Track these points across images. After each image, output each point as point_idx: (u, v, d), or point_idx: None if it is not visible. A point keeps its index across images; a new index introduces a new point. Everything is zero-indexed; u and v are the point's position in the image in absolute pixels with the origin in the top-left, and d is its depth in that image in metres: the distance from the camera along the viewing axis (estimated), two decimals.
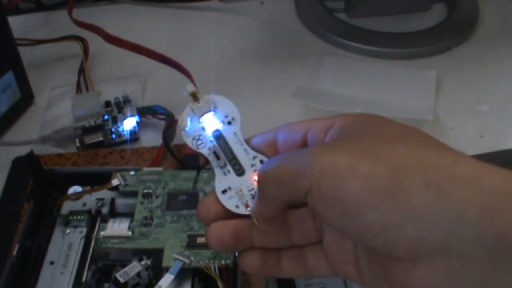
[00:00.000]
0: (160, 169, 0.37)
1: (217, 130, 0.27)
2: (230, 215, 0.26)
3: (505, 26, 0.58)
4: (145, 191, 0.36)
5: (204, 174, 0.36)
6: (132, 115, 0.46)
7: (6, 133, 0.48)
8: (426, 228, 0.20)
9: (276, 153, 0.26)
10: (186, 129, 0.27)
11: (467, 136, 0.46)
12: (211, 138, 0.27)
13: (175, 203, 0.35)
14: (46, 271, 0.33)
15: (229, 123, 0.27)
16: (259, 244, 0.26)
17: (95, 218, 0.36)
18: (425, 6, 0.59)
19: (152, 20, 0.61)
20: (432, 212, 0.20)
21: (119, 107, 0.47)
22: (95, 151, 0.45)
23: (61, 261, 0.34)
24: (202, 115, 0.27)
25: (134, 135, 0.46)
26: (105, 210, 0.36)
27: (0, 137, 0.47)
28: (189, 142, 0.27)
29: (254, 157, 0.26)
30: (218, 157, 0.26)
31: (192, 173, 0.36)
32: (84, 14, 0.59)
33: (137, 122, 0.46)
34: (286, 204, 0.25)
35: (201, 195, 0.35)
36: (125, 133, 0.46)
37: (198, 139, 0.27)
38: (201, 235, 0.33)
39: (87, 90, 0.50)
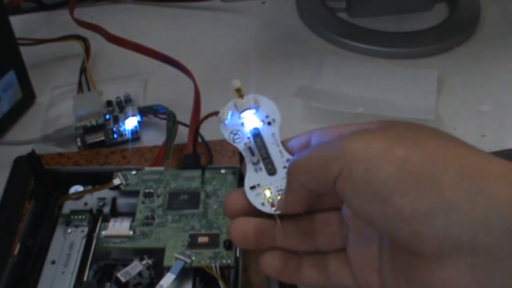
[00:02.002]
0: (161, 168, 0.37)
1: (256, 128, 0.27)
2: (255, 212, 0.26)
3: (507, 25, 0.58)
4: (146, 190, 0.36)
5: (207, 174, 0.36)
6: (133, 115, 0.46)
7: (8, 132, 0.48)
8: (455, 221, 0.19)
9: None
10: (226, 122, 0.27)
11: (468, 136, 0.46)
12: (249, 135, 0.27)
13: (176, 202, 0.35)
14: (47, 271, 0.33)
15: (269, 123, 0.27)
16: (281, 245, 0.26)
17: (96, 218, 0.36)
18: (427, 6, 0.59)
19: (153, 20, 0.61)
20: (463, 205, 0.19)
21: (120, 107, 0.47)
22: (96, 151, 0.45)
23: (63, 261, 0.34)
24: (243, 111, 0.27)
25: (136, 135, 0.46)
26: (106, 209, 0.36)
27: (1, 136, 0.48)
28: (227, 134, 0.27)
29: (288, 160, 0.26)
30: (252, 153, 0.27)
31: (193, 173, 0.36)
32: (86, 13, 0.59)
33: (139, 122, 0.46)
34: (314, 196, 0.25)
35: (202, 195, 0.35)
36: (126, 132, 0.46)
37: (235, 134, 0.27)
38: (202, 235, 0.33)
39: (89, 89, 0.50)
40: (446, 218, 0.20)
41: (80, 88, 0.50)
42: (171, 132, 0.42)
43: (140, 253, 0.33)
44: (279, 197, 0.26)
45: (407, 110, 0.47)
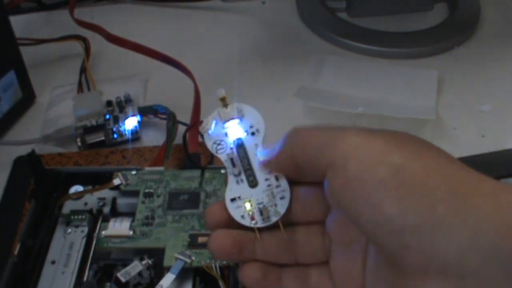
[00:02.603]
0: (161, 168, 0.37)
1: (239, 139, 0.27)
2: (235, 225, 0.26)
3: (507, 25, 0.58)
4: (146, 190, 0.36)
5: (206, 174, 0.36)
6: (133, 115, 0.46)
7: (8, 132, 0.48)
8: (444, 238, 0.19)
9: None
10: (210, 131, 0.27)
11: (468, 136, 0.46)
12: (232, 145, 0.27)
13: (176, 202, 0.35)
14: (47, 271, 0.33)
15: (253, 134, 0.27)
16: (261, 257, 0.26)
17: (96, 218, 0.36)
18: (427, 6, 0.59)
19: (153, 20, 0.61)
20: (453, 222, 0.19)
21: (120, 107, 0.47)
22: (96, 151, 0.45)
23: (63, 261, 0.34)
24: (227, 121, 0.27)
25: (136, 135, 0.46)
26: (106, 209, 0.36)
27: (1, 136, 0.47)
28: (210, 145, 0.27)
29: (270, 172, 0.26)
30: (234, 165, 0.26)
31: (193, 173, 0.36)
32: (86, 13, 0.59)
33: (139, 122, 0.46)
34: (296, 172, 0.24)
35: (202, 195, 0.35)
36: (126, 132, 0.46)
37: (219, 144, 0.27)
38: (202, 235, 0.33)
39: (89, 89, 0.50)
40: (435, 234, 0.19)
41: (80, 88, 0.50)
42: (171, 132, 0.42)
43: (140, 253, 0.33)
44: (258, 209, 0.26)
45: (407, 110, 0.47)
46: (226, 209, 0.26)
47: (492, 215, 0.19)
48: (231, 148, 0.27)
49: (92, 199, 0.37)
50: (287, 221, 0.26)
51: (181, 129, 0.44)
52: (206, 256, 0.32)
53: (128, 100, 0.47)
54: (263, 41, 0.57)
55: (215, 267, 0.31)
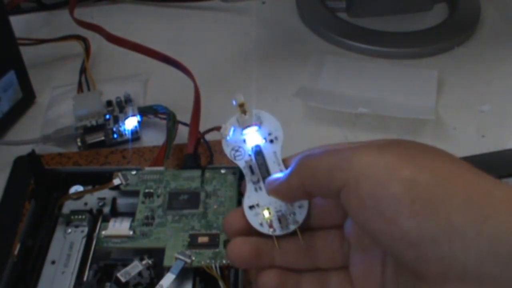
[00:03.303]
0: (161, 168, 0.37)
1: (258, 146, 0.27)
2: (253, 232, 0.26)
3: (507, 25, 0.58)
4: (146, 190, 0.36)
5: (207, 174, 0.36)
6: (133, 115, 0.46)
7: (8, 132, 0.48)
8: (461, 247, 0.19)
9: None
10: (228, 138, 0.27)
11: (468, 136, 0.46)
12: (250, 152, 0.27)
13: (176, 202, 0.35)
14: (47, 271, 0.33)
15: (271, 141, 0.27)
16: (280, 263, 0.26)
17: (96, 218, 0.36)
18: (427, 6, 0.59)
19: (153, 20, 0.61)
20: (469, 231, 0.19)
21: (120, 107, 0.47)
22: (96, 151, 0.45)
23: (63, 261, 0.34)
24: (246, 128, 0.27)
25: (136, 135, 0.46)
26: (106, 209, 0.36)
27: (1, 136, 0.47)
28: (228, 151, 0.27)
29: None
30: (252, 172, 0.26)
31: (193, 173, 0.36)
32: (86, 13, 0.59)
33: (139, 122, 0.46)
34: (307, 197, 0.25)
35: (202, 195, 0.35)
36: (126, 132, 0.46)
37: (237, 150, 0.27)
38: (203, 235, 0.33)
39: (89, 89, 0.50)
40: (452, 244, 0.19)
41: (80, 88, 0.50)
42: (171, 132, 0.42)
43: (140, 253, 0.33)
44: (277, 217, 0.26)
45: (407, 110, 0.47)
46: (244, 217, 0.26)
47: (508, 221, 0.19)
48: (249, 155, 0.27)
49: (92, 199, 0.37)
50: (306, 227, 0.27)
51: (181, 129, 0.44)
52: (206, 256, 0.32)
53: (128, 100, 0.47)
54: (262, 41, 0.57)
55: (215, 267, 0.31)
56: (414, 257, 0.20)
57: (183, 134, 0.43)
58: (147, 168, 0.37)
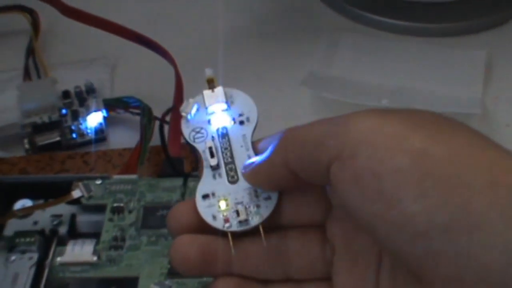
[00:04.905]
0: (134, 177, 0.37)
1: (224, 128, 0.28)
2: (206, 229, 0.26)
3: None
4: (115, 204, 0.36)
5: (191, 183, 0.36)
6: (97, 109, 0.46)
7: None
8: (484, 242, 0.19)
9: None
10: (189, 117, 0.28)
11: None
12: (214, 134, 0.28)
13: (153, 219, 0.35)
14: None
15: (241, 122, 0.28)
16: (239, 270, 0.26)
17: (49, 240, 0.36)
18: None
19: None
20: (495, 223, 0.19)
21: (80, 99, 0.47)
22: (49, 155, 0.44)
23: None
24: (211, 105, 0.28)
25: (101, 134, 0.46)
26: (63, 229, 0.36)
27: None
28: (187, 133, 0.28)
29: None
30: (212, 155, 0.27)
31: (174, 182, 0.37)
32: None
33: (104, 118, 0.46)
34: (290, 180, 0.24)
35: None
36: (89, 131, 0.46)
37: (198, 132, 0.28)
38: None
39: (39, 76, 0.50)
40: (471, 236, 0.19)
41: (27, 75, 0.50)
42: (146, 131, 0.42)
43: (107, 284, 0.33)
44: (235, 211, 0.26)
45: (445, 103, 0.47)
46: (195, 210, 0.26)
47: None
48: (212, 137, 0.28)
49: (44, 217, 0.36)
50: (275, 224, 0.26)
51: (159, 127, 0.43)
52: (191, 287, 0.32)
53: (90, 91, 0.47)
54: (262, 16, 0.57)
55: None
56: (421, 252, 0.20)
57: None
58: (116, 177, 0.37)
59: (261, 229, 0.26)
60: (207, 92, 0.28)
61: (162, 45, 0.47)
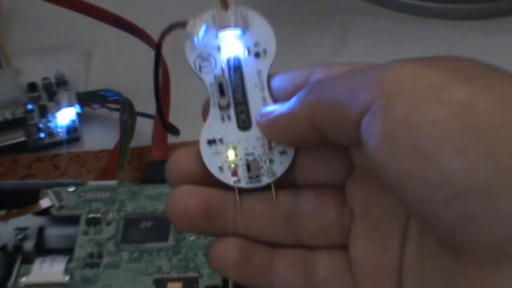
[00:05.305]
0: (113, 183, 0.38)
1: (237, 58, 0.27)
2: (209, 180, 0.26)
3: None
4: (90, 215, 0.36)
5: None
6: (70, 104, 0.46)
7: None
8: None
9: None
10: (195, 39, 0.27)
11: None
12: (224, 65, 0.27)
13: (135, 232, 0.35)
14: None
15: (257, 55, 0.27)
16: (243, 230, 0.27)
17: (12, 258, 0.36)
18: None
19: None
20: None
21: (50, 92, 0.47)
22: (13, 158, 0.45)
23: None
24: (224, 30, 0.27)
25: (74, 133, 0.46)
26: (29, 245, 0.36)
27: None
28: (192, 58, 0.27)
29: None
30: (222, 93, 0.27)
31: (159, 189, 0.37)
32: None
33: (78, 114, 0.46)
34: (311, 138, 0.25)
35: None
36: (59, 130, 0.46)
37: (205, 60, 0.27)
38: (174, 280, 0.33)
39: (0, 66, 0.50)
40: None
41: None
42: (126, 130, 0.42)
43: None
44: (245, 162, 0.26)
45: None
46: (199, 157, 0.26)
47: None
48: (222, 69, 0.27)
49: (6, 230, 0.36)
50: (289, 182, 0.27)
51: (142, 124, 0.44)
52: None
53: (61, 83, 0.47)
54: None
55: None
56: (456, 216, 0.20)
57: (144, 131, 0.43)
58: (92, 183, 0.37)
59: (272, 189, 0.26)
60: (219, 11, 0.27)
61: (143, 29, 0.47)
